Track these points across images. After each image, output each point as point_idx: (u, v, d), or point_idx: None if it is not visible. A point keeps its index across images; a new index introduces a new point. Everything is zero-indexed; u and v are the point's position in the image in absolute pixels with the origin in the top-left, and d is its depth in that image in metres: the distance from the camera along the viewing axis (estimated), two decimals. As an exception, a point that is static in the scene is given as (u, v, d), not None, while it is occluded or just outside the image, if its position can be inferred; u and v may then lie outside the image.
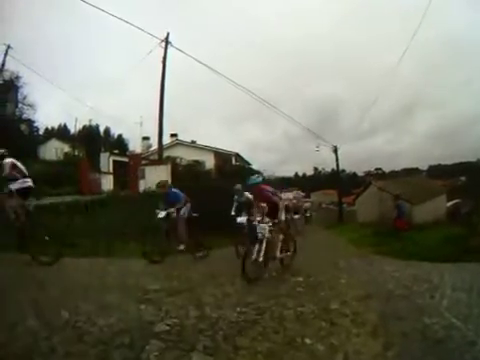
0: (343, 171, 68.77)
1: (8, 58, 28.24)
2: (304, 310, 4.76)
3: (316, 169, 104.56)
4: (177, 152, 29.43)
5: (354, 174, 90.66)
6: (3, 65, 28.37)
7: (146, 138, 35.19)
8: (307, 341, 3.67)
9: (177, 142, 32.96)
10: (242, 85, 30.37)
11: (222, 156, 31.56)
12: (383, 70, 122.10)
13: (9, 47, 27.81)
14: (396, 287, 6.26)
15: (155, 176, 20.87)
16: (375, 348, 3.51)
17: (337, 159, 34.55)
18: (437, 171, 77.70)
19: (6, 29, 61.25)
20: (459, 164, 74.69)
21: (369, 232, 18.59)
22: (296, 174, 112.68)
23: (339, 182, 40.57)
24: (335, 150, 34.19)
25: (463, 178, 54.49)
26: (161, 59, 23.79)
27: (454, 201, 26.91)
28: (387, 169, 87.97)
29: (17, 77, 30.08)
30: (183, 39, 51.12)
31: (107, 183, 21.75)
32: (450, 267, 8.20)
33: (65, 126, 49.49)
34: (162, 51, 23.87)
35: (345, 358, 3.30)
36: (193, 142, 33.97)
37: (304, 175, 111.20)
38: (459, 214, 21.33)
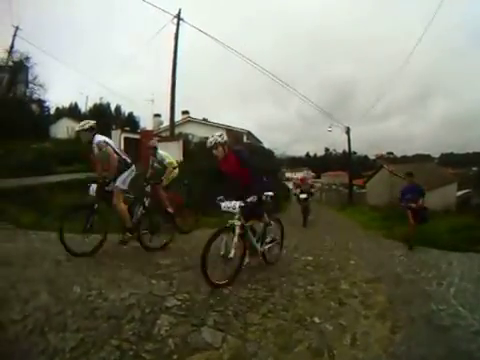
0: (354, 153, 68.41)
1: (18, 39, 28.76)
2: (314, 289, 4.88)
3: (327, 150, 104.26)
4: (188, 129, 29.39)
5: (365, 157, 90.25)
6: (12, 46, 28.73)
7: (157, 115, 34.95)
8: (316, 320, 3.78)
9: (189, 119, 32.90)
10: (256, 63, 30.06)
11: (234, 134, 31.42)
12: (400, 53, 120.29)
13: (18, 28, 28.27)
14: (404, 272, 6.36)
15: (167, 152, 20.92)
16: (382, 331, 3.61)
17: (349, 140, 33.79)
18: (449, 159, 77.03)
19: (15, 10, 61.42)
20: (472, 154, 73.85)
21: (379, 215, 18.59)
22: (307, 154, 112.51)
23: (350, 164, 39.83)
24: (347, 131, 33.55)
25: (475, 168, 53.83)
26: (172, 36, 23.61)
27: (465, 191, 26.73)
28: (399, 154, 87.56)
29: (27, 58, 30.21)
30: (196, 16, 50.77)
31: (119, 160, 21.70)
32: (459, 256, 8.16)
33: (76, 105, 49.79)
34: (174, 28, 23.72)
35: (353, 339, 3.39)
36: (205, 119, 33.88)
37: (315, 155, 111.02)
38: (469, 204, 21.12)
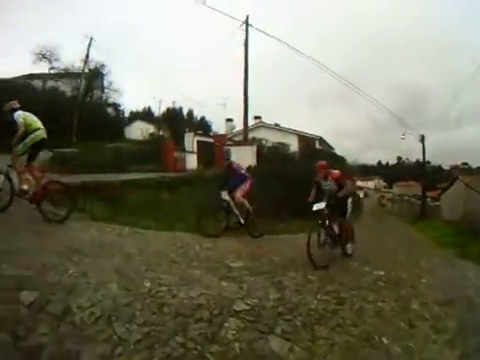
0: (428, 162, 65.64)
1: (93, 49, 31.74)
2: (384, 306, 4.80)
3: (399, 158, 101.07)
4: (261, 134, 29.77)
5: (439, 167, 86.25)
6: (87, 56, 31.77)
7: (230, 119, 36.09)
8: (384, 340, 3.72)
9: (261, 124, 33.39)
10: (327, 67, 29.70)
11: (306, 139, 31.38)
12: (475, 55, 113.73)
13: (92, 39, 31.08)
14: (477, 295, 6.06)
15: (240, 156, 21.26)
16: (450, 359, 3.50)
17: (424, 149, 32.31)
18: None
19: (90, 20, 66.16)
20: None
21: (452, 231, 17.72)
22: (379, 162, 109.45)
23: (424, 174, 37.83)
24: (422, 139, 32.27)
25: None
26: (241, 41, 24.15)
27: None
28: (474, 164, 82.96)
29: (102, 65, 34.05)
30: (264, 21, 51.65)
31: (191, 162, 22.48)
32: None
33: (149, 109, 53.15)
34: (242, 33, 24.37)
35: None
36: (277, 125, 34.21)
37: (387, 164, 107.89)
38: None
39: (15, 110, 7.25)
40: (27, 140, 7.09)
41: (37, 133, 7.23)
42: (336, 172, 7.96)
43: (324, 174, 7.82)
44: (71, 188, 7.50)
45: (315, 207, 7.28)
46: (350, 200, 7.98)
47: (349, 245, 7.96)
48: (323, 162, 8.08)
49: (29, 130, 7.15)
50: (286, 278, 5.51)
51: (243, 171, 10.33)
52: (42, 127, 7.43)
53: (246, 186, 9.77)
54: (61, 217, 7.16)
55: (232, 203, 9.57)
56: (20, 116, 7.13)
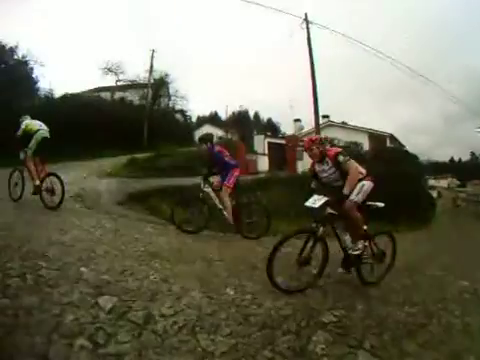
0: (504, 158, 62.06)
1: (157, 60, 35.35)
2: (471, 321, 4.54)
3: (473, 154, 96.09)
4: (329, 133, 29.31)
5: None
6: (152, 66, 34.71)
7: (297, 120, 35.89)
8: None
9: (329, 123, 32.89)
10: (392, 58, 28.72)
11: (376, 137, 30.63)
12: None
13: (154, 51, 34.22)
14: None
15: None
16: None
17: (497, 142, 30.64)
18: None
19: (153, 32, 69.15)
20: None
21: None
22: (451, 159, 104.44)
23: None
24: (495, 131, 30.50)
25: None
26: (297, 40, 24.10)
27: None
28: None
29: (166, 75, 37.23)
30: (323, 16, 51.15)
31: (262, 164, 22.57)
32: None
33: (216, 113, 54.99)
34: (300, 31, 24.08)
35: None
36: (344, 123, 33.78)
37: (460, 160, 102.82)
38: None
39: (24, 120, 8.60)
40: (32, 143, 8.21)
41: (38, 134, 8.30)
42: (334, 149, 5.42)
43: (317, 153, 5.25)
44: (61, 179, 8.20)
45: (309, 203, 4.82)
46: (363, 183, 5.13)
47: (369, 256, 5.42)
48: (312, 136, 6.16)
49: (32, 132, 8.30)
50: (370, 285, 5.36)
51: (227, 158, 8.35)
52: (45, 128, 8.57)
53: (230, 180, 8.14)
54: (55, 204, 8.01)
55: (213, 196, 8.26)
56: (23, 123, 8.45)
